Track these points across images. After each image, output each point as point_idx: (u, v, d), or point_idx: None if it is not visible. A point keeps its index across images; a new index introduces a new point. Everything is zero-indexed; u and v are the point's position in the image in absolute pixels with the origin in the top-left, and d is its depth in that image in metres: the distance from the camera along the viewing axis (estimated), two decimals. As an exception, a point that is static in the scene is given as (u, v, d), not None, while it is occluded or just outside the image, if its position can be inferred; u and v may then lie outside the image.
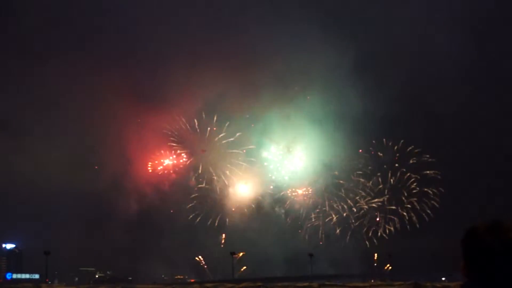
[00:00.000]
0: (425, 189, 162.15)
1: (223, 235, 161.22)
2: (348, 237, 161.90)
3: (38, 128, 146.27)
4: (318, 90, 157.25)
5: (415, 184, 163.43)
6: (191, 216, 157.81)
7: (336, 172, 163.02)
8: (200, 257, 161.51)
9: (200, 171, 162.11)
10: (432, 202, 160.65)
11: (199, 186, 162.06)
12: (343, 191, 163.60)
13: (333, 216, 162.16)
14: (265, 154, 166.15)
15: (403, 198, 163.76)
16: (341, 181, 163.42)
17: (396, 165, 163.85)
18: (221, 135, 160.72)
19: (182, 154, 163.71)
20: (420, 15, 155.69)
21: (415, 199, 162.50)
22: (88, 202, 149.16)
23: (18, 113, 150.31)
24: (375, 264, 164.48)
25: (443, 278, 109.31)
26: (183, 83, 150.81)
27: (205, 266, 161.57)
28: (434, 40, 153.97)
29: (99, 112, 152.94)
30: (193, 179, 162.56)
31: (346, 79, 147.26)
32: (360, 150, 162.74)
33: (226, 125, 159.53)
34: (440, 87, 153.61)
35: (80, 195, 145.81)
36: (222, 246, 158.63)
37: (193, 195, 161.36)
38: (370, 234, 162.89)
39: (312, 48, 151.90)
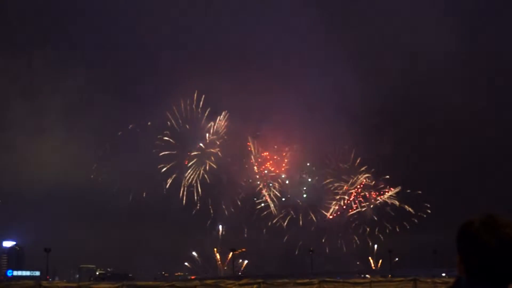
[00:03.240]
0: (425, 185, 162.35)
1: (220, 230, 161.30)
2: (347, 234, 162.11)
3: (36, 127, 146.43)
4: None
5: (415, 179, 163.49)
6: (188, 214, 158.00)
7: (333, 167, 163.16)
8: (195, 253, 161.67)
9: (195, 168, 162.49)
10: (432, 197, 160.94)
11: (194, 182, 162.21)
12: (341, 186, 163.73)
13: (332, 211, 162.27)
14: (262, 148, 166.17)
15: (403, 194, 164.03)
16: (339, 176, 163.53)
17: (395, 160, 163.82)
18: (218, 129, 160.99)
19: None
20: (418, 11, 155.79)
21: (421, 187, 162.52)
22: (88, 199, 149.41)
23: (15, 113, 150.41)
24: (375, 260, 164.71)
25: (443, 274, 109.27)
26: (176, 78, 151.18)
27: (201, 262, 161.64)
28: (433, 36, 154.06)
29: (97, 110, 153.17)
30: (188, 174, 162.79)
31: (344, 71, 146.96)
32: (358, 144, 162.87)
33: (224, 119, 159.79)
34: (437, 83, 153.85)
35: (80, 192, 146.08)
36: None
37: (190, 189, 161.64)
38: (369, 230, 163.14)
39: (310, 41, 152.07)
